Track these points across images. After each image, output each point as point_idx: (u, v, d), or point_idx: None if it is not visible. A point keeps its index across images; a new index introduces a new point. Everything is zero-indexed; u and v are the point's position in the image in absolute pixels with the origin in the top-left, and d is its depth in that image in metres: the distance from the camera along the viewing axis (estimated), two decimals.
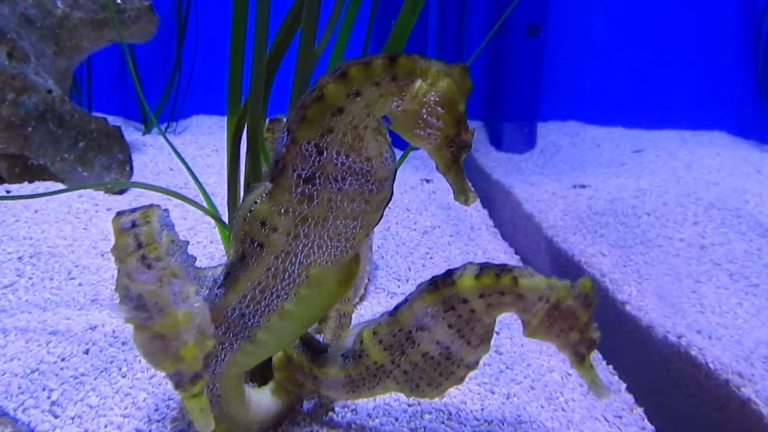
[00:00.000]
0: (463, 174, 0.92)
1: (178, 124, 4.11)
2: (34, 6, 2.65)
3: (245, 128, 1.36)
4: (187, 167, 1.73)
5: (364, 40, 1.58)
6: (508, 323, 1.72)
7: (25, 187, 2.39)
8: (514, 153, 3.75)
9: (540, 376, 1.48)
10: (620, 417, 1.39)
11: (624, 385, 1.55)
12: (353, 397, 1.14)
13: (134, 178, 2.76)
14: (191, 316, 0.77)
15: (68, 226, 2.10)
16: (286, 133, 0.89)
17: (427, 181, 3.08)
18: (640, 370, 1.59)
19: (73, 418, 1.23)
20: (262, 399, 1.19)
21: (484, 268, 0.99)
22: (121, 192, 2.56)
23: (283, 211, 0.91)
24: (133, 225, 0.76)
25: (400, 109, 0.88)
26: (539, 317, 0.99)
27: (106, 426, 1.21)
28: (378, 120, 0.90)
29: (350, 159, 0.89)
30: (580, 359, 1.01)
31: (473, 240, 2.45)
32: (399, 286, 1.93)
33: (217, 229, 1.97)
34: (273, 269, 0.95)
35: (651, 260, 1.99)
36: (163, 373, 0.76)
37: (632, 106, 4.24)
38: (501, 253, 2.37)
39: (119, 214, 0.80)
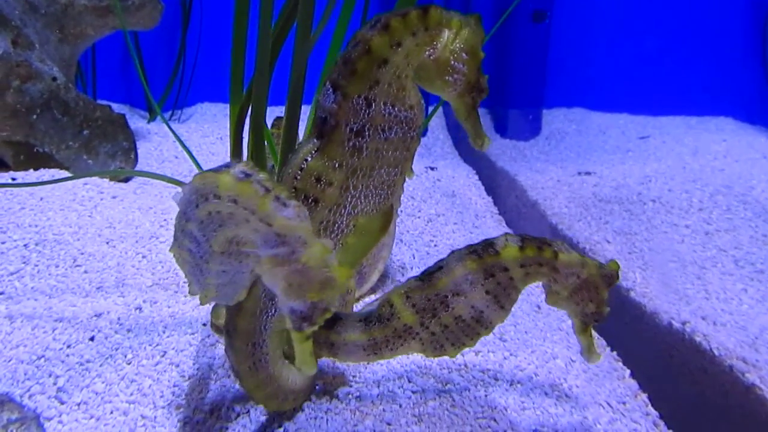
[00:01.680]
0: (480, 120, 1.00)
1: (182, 112, 4.11)
2: None
3: (248, 116, 1.36)
4: (191, 156, 1.73)
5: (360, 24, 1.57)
6: (512, 310, 1.71)
7: (31, 175, 2.40)
8: (519, 140, 3.74)
9: (544, 363, 1.49)
10: (624, 403, 1.39)
11: (628, 371, 1.55)
12: (373, 359, 1.17)
13: (139, 166, 2.76)
14: (330, 244, 0.78)
15: (73, 213, 2.10)
16: (331, 90, 0.92)
17: (432, 168, 3.07)
18: (645, 356, 1.59)
19: (78, 405, 1.24)
20: (293, 370, 1.20)
21: (525, 239, 1.07)
22: (126, 180, 2.56)
23: (337, 165, 0.94)
24: (247, 175, 0.76)
25: (432, 57, 0.93)
26: (568, 289, 1.09)
27: (111, 412, 1.22)
28: (413, 69, 0.94)
29: (396, 108, 0.94)
30: (584, 327, 1.12)
31: (478, 227, 2.45)
32: (403, 275, 1.93)
33: None
34: (325, 222, 0.98)
35: (656, 247, 1.98)
36: (297, 307, 0.77)
37: (638, 93, 4.22)
38: None
39: (213, 172, 0.78)
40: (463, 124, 1.00)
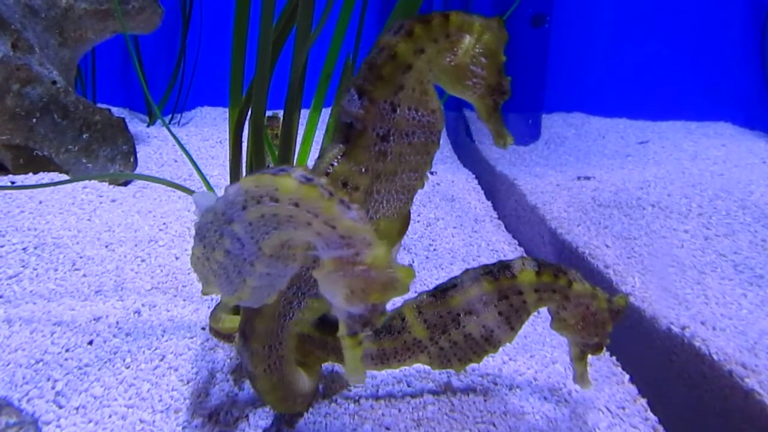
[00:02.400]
0: (502, 120, 1.02)
1: (182, 116, 4.11)
2: None
3: (247, 119, 1.36)
4: (191, 159, 1.73)
5: (357, 25, 1.58)
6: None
7: (30, 178, 2.40)
8: (518, 144, 3.73)
9: (543, 368, 1.48)
10: (623, 408, 1.39)
11: (627, 376, 1.55)
12: (381, 367, 1.19)
13: (138, 170, 2.76)
14: (389, 247, 0.79)
15: (73, 217, 2.10)
16: (357, 96, 0.93)
17: (432, 173, 3.07)
18: (644, 361, 1.58)
19: (77, 409, 1.23)
20: (303, 374, 1.20)
21: (542, 265, 1.11)
22: (126, 183, 2.56)
23: (363, 170, 0.95)
24: (308, 179, 0.76)
25: (452, 62, 0.94)
26: (576, 318, 1.13)
27: (110, 416, 1.22)
28: (434, 74, 0.96)
29: (419, 113, 0.96)
30: (582, 355, 1.16)
31: (477, 232, 2.45)
32: None
33: None
34: None
35: (655, 252, 1.98)
36: (356, 311, 0.77)
37: (637, 98, 4.22)
38: (504, 244, 2.36)
39: (270, 175, 0.78)
40: (485, 124, 1.02)
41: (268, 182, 0.77)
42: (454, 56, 0.94)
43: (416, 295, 1.15)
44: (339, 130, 0.95)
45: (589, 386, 1.20)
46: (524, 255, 2.34)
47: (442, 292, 1.14)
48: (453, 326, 1.13)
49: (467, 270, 1.14)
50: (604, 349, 1.19)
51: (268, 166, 1.47)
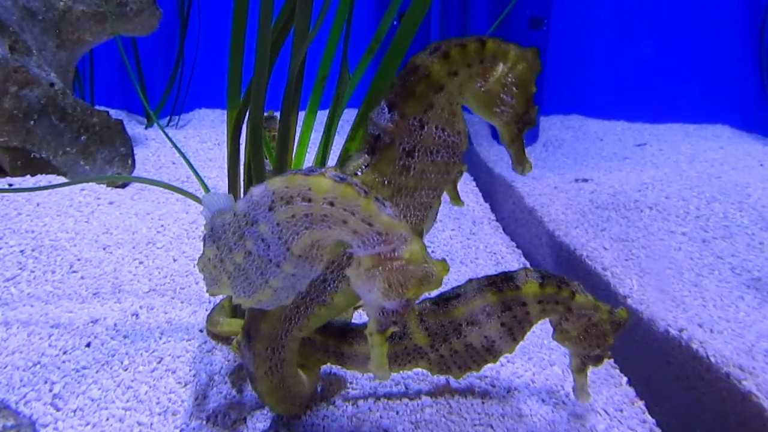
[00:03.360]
0: (524, 147, 1.03)
1: (180, 118, 4.11)
2: None
3: (245, 121, 1.36)
4: (188, 162, 1.73)
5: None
6: None
7: (28, 181, 2.40)
8: None
9: (541, 370, 1.48)
10: (621, 410, 1.39)
11: (625, 379, 1.55)
12: None
13: (136, 172, 2.76)
14: (423, 243, 0.81)
15: (70, 219, 2.10)
16: (386, 109, 0.94)
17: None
18: (641, 364, 1.58)
19: (74, 411, 1.23)
20: (302, 376, 1.21)
21: (545, 277, 1.12)
22: (123, 185, 2.56)
23: (386, 182, 0.95)
24: (342, 178, 0.77)
25: (483, 89, 0.96)
26: (578, 329, 1.15)
27: (107, 419, 1.22)
28: (463, 97, 0.98)
29: (445, 133, 0.97)
30: (582, 367, 1.17)
31: (475, 234, 2.45)
32: None
33: None
34: None
35: (653, 254, 1.98)
36: (391, 306, 0.78)
37: (635, 100, 4.23)
38: (503, 247, 2.36)
39: (303, 175, 0.79)
40: (506, 149, 1.03)
41: (300, 182, 0.78)
42: (486, 82, 0.95)
43: (419, 301, 1.16)
44: (366, 141, 0.96)
45: (588, 399, 1.22)
46: (521, 257, 2.34)
47: (445, 301, 1.14)
48: (454, 336, 1.13)
49: (471, 280, 1.15)
50: (605, 361, 1.21)
51: (268, 170, 1.47)
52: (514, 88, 0.96)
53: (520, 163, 1.04)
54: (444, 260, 0.79)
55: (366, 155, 0.96)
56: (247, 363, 1.11)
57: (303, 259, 0.85)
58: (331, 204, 0.77)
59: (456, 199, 1.15)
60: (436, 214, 1.08)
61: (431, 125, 0.95)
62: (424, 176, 0.98)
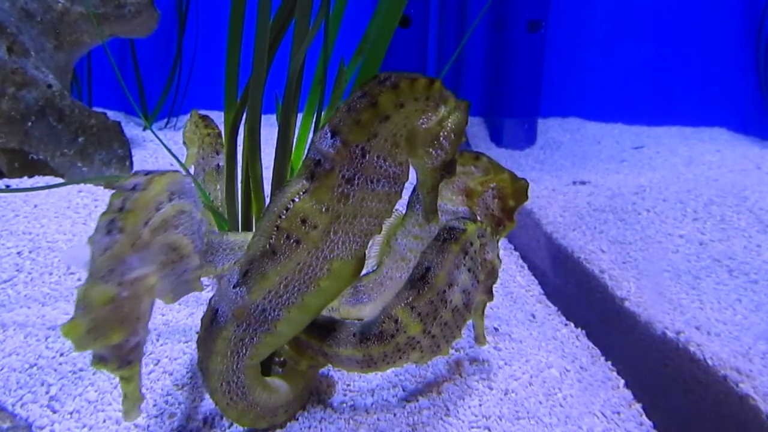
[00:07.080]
0: (437, 198, 1.06)
1: (178, 119, 4.11)
2: (34, 0, 2.65)
3: (242, 123, 1.36)
4: (181, 164, 1.73)
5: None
6: (506, 319, 1.72)
7: (25, 182, 2.39)
8: (514, 149, 3.74)
9: (538, 372, 1.48)
10: (618, 413, 1.39)
11: (622, 381, 1.55)
12: (368, 371, 1.18)
13: None
14: (110, 297, 0.81)
15: (68, 221, 2.10)
16: (330, 135, 0.94)
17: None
18: (639, 366, 1.59)
19: (71, 413, 1.23)
20: (279, 384, 1.20)
21: (461, 220, 1.22)
22: None
23: (324, 209, 0.96)
24: (134, 188, 0.76)
25: (424, 126, 0.97)
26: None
27: (104, 421, 1.21)
28: (407, 131, 0.98)
29: (387, 163, 0.97)
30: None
31: None
32: None
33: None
34: (301, 264, 0.99)
35: (650, 256, 1.98)
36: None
37: (633, 103, 4.24)
38: (500, 249, 2.36)
39: (135, 174, 0.79)
40: (423, 197, 1.05)
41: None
42: (428, 121, 0.96)
43: (394, 297, 1.16)
44: (306, 166, 0.97)
45: (484, 342, 1.32)
46: (519, 259, 2.34)
47: (421, 280, 1.14)
48: (442, 307, 1.14)
49: (423, 252, 1.18)
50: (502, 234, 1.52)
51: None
52: (452, 135, 0.98)
53: (433, 212, 1.07)
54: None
55: (304, 181, 0.96)
56: (209, 396, 1.10)
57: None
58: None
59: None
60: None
61: (373, 154, 0.95)
62: (365, 204, 0.98)
